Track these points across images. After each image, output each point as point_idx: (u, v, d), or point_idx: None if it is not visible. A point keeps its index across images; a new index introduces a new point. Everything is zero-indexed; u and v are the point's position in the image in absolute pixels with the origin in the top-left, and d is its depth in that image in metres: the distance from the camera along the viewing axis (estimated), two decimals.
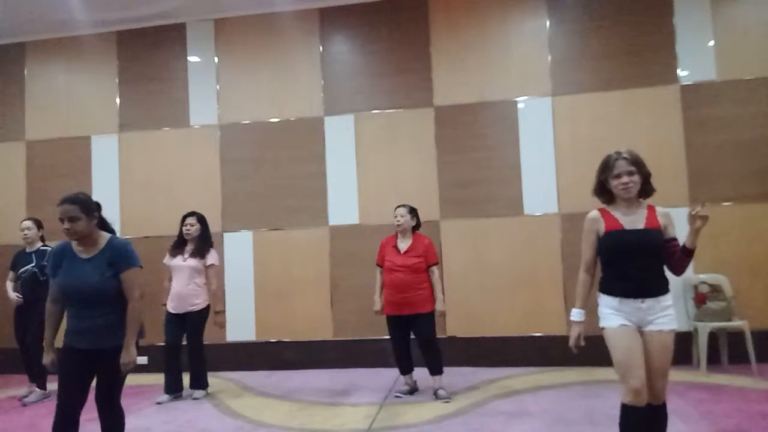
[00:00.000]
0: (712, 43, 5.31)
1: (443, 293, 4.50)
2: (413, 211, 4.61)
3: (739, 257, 5.11)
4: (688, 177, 5.23)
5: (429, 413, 4.04)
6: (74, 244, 2.83)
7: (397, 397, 4.50)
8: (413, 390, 4.61)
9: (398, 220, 4.54)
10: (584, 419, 3.73)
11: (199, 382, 4.79)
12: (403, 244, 4.52)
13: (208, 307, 4.79)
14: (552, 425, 3.67)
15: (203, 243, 4.82)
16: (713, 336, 4.92)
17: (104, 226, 2.96)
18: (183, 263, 4.71)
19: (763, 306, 5.04)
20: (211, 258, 4.81)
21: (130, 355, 2.73)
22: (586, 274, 2.73)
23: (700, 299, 4.92)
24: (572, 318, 2.71)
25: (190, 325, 4.71)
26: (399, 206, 4.62)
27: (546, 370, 5.14)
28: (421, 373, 4.87)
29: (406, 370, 4.61)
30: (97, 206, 2.89)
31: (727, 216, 5.14)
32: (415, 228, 4.62)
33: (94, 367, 2.80)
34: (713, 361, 4.94)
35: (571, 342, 2.67)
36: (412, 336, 4.53)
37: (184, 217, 4.87)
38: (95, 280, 2.73)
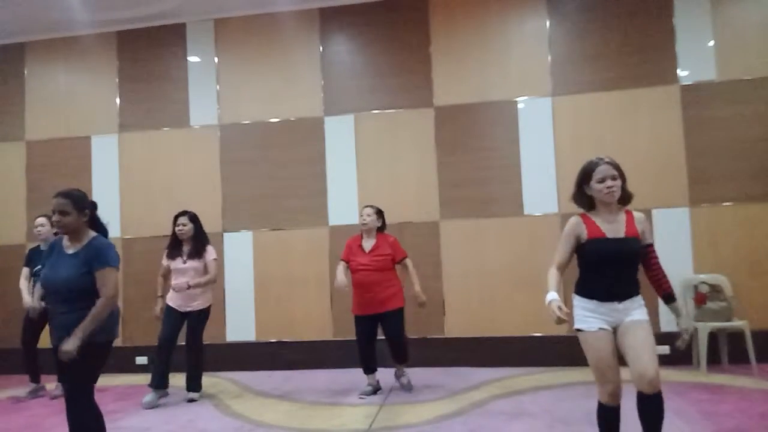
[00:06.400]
0: (712, 43, 5.31)
1: (418, 283, 4.61)
2: (380, 213, 4.71)
3: (739, 257, 5.11)
4: (688, 177, 5.22)
5: (429, 413, 4.04)
6: (65, 240, 2.92)
7: (361, 398, 4.52)
8: (376, 390, 4.65)
9: (364, 220, 4.61)
10: (584, 419, 3.72)
11: (195, 384, 4.72)
12: (368, 244, 4.60)
13: (209, 308, 4.77)
14: (552, 425, 3.67)
15: (199, 242, 4.76)
16: (713, 336, 4.92)
17: (95, 226, 2.98)
18: (184, 266, 4.67)
19: (763, 306, 5.04)
20: (210, 254, 4.76)
21: (71, 343, 2.63)
22: (557, 271, 2.74)
23: (700, 299, 4.92)
24: (548, 298, 2.59)
25: (190, 325, 4.68)
26: (366, 206, 4.72)
27: (546, 370, 5.14)
28: (421, 373, 4.87)
29: (370, 370, 4.66)
30: (92, 205, 2.95)
31: (727, 216, 5.14)
32: (381, 229, 4.70)
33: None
34: (713, 361, 4.94)
35: (557, 317, 2.51)
36: (380, 336, 4.57)
37: (176, 217, 4.79)
38: (67, 275, 2.76)
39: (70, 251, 2.86)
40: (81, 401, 2.79)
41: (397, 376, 4.73)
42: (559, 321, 2.53)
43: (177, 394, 4.76)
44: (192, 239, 4.76)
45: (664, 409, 2.57)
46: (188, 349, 4.69)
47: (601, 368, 2.60)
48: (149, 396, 4.57)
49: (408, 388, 4.65)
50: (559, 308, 2.53)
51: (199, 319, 4.70)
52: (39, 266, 4.81)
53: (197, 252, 4.71)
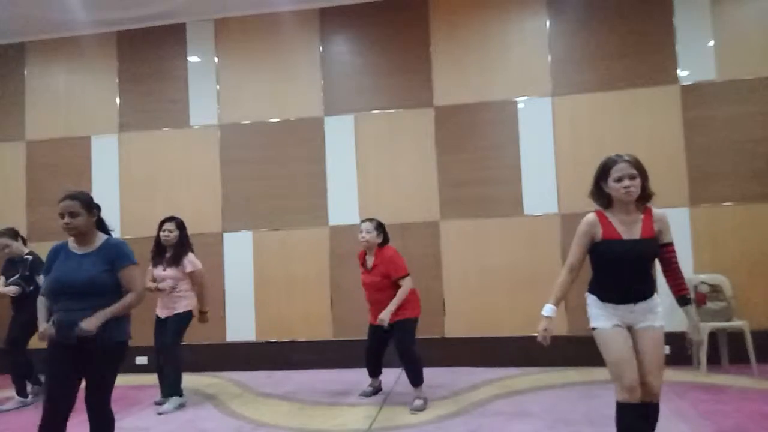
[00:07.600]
0: (712, 43, 5.31)
1: (396, 306, 4.16)
2: (380, 227, 4.36)
3: (739, 257, 5.11)
4: (688, 177, 5.23)
5: (429, 413, 4.04)
6: (70, 242, 2.89)
7: (360, 397, 4.57)
8: (377, 391, 4.67)
9: (363, 237, 4.30)
10: (584, 419, 3.73)
11: (171, 389, 4.47)
12: (369, 261, 4.38)
13: (189, 312, 4.56)
14: (552, 425, 3.66)
15: (179, 250, 4.53)
16: (713, 336, 4.92)
17: (102, 227, 2.98)
18: (163, 273, 4.53)
19: (763, 306, 5.04)
20: (189, 265, 4.52)
21: (92, 322, 2.64)
22: (568, 275, 2.70)
23: (700, 299, 4.92)
24: (543, 312, 2.69)
25: (168, 327, 4.48)
26: (364, 221, 4.40)
27: (546, 370, 5.14)
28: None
29: (373, 374, 4.68)
30: (98, 207, 2.95)
31: (727, 216, 5.14)
32: (383, 243, 4.38)
33: (83, 365, 2.74)
34: (713, 361, 4.94)
35: (539, 337, 2.67)
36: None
37: (162, 222, 4.58)
38: (91, 273, 2.75)
39: (81, 252, 2.83)
40: (105, 404, 2.81)
41: (413, 399, 4.21)
42: (541, 338, 2.64)
43: None
44: (174, 246, 4.56)
45: (658, 417, 2.61)
46: (164, 351, 4.47)
47: (619, 363, 2.55)
48: (165, 405, 4.46)
49: (418, 410, 4.12)
50: (545, 330, 2.63)
51: (175, 320, 4.47)
52: (11, 279, 4.75)
53: (175, 260, 4.51)
